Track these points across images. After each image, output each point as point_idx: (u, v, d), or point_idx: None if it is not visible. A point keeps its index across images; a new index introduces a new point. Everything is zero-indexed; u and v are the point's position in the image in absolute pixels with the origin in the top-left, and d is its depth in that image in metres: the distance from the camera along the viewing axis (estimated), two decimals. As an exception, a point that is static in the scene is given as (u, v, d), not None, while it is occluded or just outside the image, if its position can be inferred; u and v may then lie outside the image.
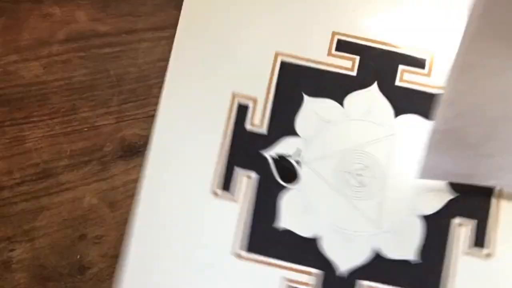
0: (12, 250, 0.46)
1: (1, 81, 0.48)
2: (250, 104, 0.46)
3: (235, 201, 0.45)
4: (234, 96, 0.47)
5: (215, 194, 0.45)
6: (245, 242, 0.45)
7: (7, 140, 0.47)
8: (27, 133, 0.47)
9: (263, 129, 0.46)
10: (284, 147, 0.46)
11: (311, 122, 0.46)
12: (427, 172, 0.42)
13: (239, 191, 0.45)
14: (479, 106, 0.38)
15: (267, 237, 0.45)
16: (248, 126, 0.46)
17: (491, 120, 0.39)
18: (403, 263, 0.44)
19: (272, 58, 0.47)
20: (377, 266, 0.44)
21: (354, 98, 0.46)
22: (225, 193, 0.46)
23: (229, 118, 0.46)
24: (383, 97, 0.46)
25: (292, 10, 0.48)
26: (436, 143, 0.40)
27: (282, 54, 0.47)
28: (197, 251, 0.45)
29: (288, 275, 0.44)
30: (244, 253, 0.45)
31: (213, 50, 0.47)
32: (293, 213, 0.45)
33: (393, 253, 0.44)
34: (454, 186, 0.44)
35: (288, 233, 0.45)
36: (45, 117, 0.48)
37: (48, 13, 0.49)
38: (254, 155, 0.46)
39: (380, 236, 0.44)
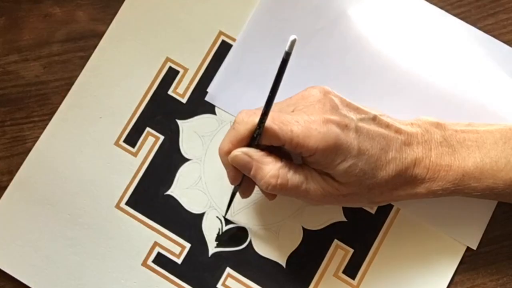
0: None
1: (1, 81, 0.48)
2: (180, 72, 0.47)
3: (135, 156, 0.46)
4: (167, 60, 0.47)
5: (119, 145, 0.46)
6: (132, 198, 0.46)
7: (7, 140, 0.47)
8: (27, 133, 0.47)
9: (184, 99, 0.47)
10: (199, 122, 0.47)
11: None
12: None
13: (143, 149, 0.46)
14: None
15: (153, 200, 0.46)
16: (170, 92, 0.47)
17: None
18: (273, 264, 0.45)
19: (215, 36, 0.47)
20: (248, 259, 0.45)
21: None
22: (128, 147, 0.46)
23: (155, 79, 0.47)
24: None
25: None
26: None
27: (225, 35, 0.47)
28: (84, 193, 0.46)
29: (162, 241, 0.45)
30: (127, 208, 0.46)
31: (160, 15, 0.48)
32: (185, 185, 0.46)
33: (266, 251, 0.45)
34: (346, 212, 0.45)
35: (174, 202, 0.46)
36: (45, 117, 0.48)
37: (48, 13, 0.49)
38: (168, 121, 0.47)
39: (259, 232, 0.45)
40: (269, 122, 0.37)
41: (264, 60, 0.47)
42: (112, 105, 0.47)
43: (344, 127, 0.37)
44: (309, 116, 0.37)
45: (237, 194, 0.43)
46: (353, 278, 0.44)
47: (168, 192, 0.46)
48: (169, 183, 0.46)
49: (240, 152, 0.38)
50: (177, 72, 0.47)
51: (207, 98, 0.47)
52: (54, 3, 0.49)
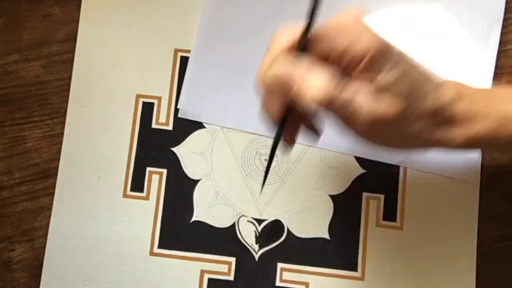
0: (12, 250, 0.46)
1: (1, 81, 0.48)
2: (155, 103, 0.47)
3: (147, 199, 0.46)
4: (138, 97, 0.47)
5: (128, 196, 0.46)
6: (162, 240, 0.46)
7: (7, 140, 0.47)
8: (27, 133, 0.47)
9: (169, 126, 0.47)
10: (193, 141, 0.47)
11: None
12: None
13: (152, 189, 0.46)
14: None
15: (182, 232, 0.46)
16: (154, 125, 0.47)
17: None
18: (317, 241, 0.45)
19: (172, 56, 0.48)
20: (293, 246, 0.45)
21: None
22: (137, 194, 0.46)
23: (135, 120, 0.47)
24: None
25: (190, 7, 0.48)
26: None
27: (181, 51, 0.48)
28: (115, 254, 0.46)
29: (207, 266, 0.45)
30: (162, 251, 0.46)
31: (114, 56, 0.48)
32: (206, 205, 0.46)
33: (306, 232, 0.45)
34: (361, 162, 0.46)
35: (203, 226, 0.46)
36: (45, 117, 0.47)
37: (48, 13, 0.49)
38: (164, 153, 0.47)
39: (292, 218, 0.45)
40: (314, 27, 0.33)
41: (223, 61, 0.47)
42: (104, 162, 0.47)
43: (387, 44, 0.34)
44: (357, 23, 0.34)
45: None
46: (395, 220, 0.45)
47: (193, 219, 0.46)
48: (190, 210, 0.46)
49: (279, 66, 0.33)
50: (152, 104, 0.47)
51: (180, 115, 0.47)
52: (54, 3, 0.49)
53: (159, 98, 0.47)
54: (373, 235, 0.45)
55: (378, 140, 0.37)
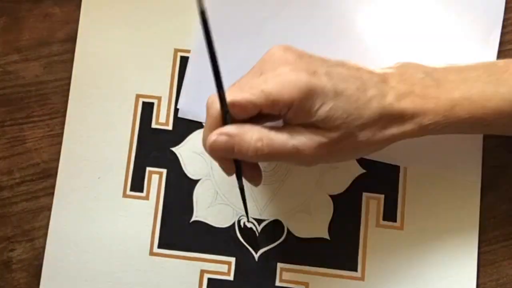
0: (12, 250, 0.46)
1: (1, 81, 0.48)
2: (155, 103, 0.47)
3: (147, 199, 0.46)
4: (137, 97, 0.47)
5: (128, 196, 0.46)
6: (162, 239, 0.46)
7: (7, 140, 0.47)
8: (27, 133, 0.47)
9: (169, 126, 0.47)
10: (193, 141, 0.47)
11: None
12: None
13: (151, 189, 0.46)
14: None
15: (182, 232, 0.46)
16: (154, 125, 0.47)
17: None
18: (317, 241, 0.45)
19: (172, 55, 0.48)
20: (293, 246, 0.45)
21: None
22: (137, 194, 0.46)
23: (134, 120, 0.47)
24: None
25: (190, 7, 0.48)
26: None
27: (181, 50, 0.48)
28: (115, 254, 0.46)
29: (207, 266, 0.45)
30: (162, 251, 0.46)
31: (115, 55, 0.48)
32: (206, 205, 0.46)
33: (306, 232, 0.45)
34: (361, 162, 0.46)
35: (202, 226, 0.46)
36: (45, 117, 0.47)
37: (48, 13, 0.49)
38: (163, 153, 0.47)
39: (292, 217, 0.45)
40: (236, 93, 0.35)
41: (223, 61, 0.46)
42: (104, 162, 0.47)
43: (313, 73, 0.35)
44: (275, 72, 0.35)
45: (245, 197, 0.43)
46: (395, 220, 0.45)
47: (193, 219, 0.46)
48: (190, 210, 0.46)
49: (215, 134, 0.35)
50: (152, 104, 0.47)
51: (180, 115, 0.47)
52: (54, 3, 0.49)
53: (159, 98, 0.47)
54: (373, 235, 0.45)
55: (333, 160, 0.39)
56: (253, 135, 0.35)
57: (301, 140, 0.36)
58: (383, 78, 0.38)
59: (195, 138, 0.47)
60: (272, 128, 0.36)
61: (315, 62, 0.37)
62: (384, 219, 0.45)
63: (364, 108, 0.36)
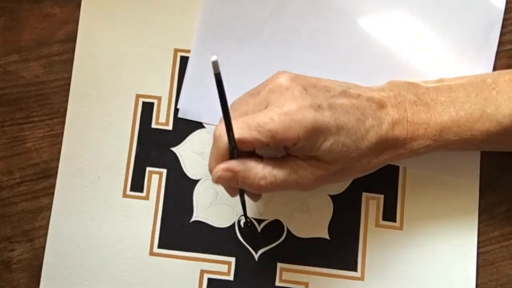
0: (12, 250, 0.46)
1: (1, 81, 0.48)
2: (155, 103, 0.47)
3: (147, 199, 0.46)
4: (138, 97, 0.47)
5: (128, 196, 0.46)
6: (162, 239, 0.46)
7: (7, 140, 0.47)
8: (27, 133, 0.47)
9: (169, 126, 0.47)
10: (192, 141, 0.47)
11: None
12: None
13: (151, 189, 0.46)
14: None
15: (182, 232, 0.46)
16: (154, 125, 0.47)
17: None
18: (317, 241, 0.45)
19: (172, 55, 0.48)
20: (293, 246, 0.45)
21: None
22: (137, 194, 0.46)
23: (134, 120, 0.47)
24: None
25: (190, 7, 0.48)
26: None
27: (181, 50, 0.48)
28: (115, 254, 0.46)
29: (207, 266, 0.45)
30: (162, 251, 0.46)
31: (115, 55, 0.48)
32: (206, 206, 0.46)
33: (306, 232, 0.45)
34: None
35: (203, 226, 0.46)
36: (45, 117, 0.47)
37: (48, 13, 0.49)
38: (163, 153, 0.47)
39: (292, 217, 0.45)
40: (244, 131, 0.36)
41: (223, 60, 0.47)
42: (104, 162, 0.47)
43: (317, 108, 0.37)
44: (281, 109, 0.37)
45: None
46: (394, 220, 0.45)
47: (193, 219, 0.46)
48: (190, 210, 0.46)
49: (220, 170, 0.37)
50: (152, 104, 0.47)
51: (180, 115, 0.47)
52: (54, 3, 0.49)
53: (159, 98, 0.47)
54: (372, 235, 0.45)
55: (332, 182, 0.41)
56: (257, 173, 0.38)
57: (303, 174, 0.38)
58: (381, 104, 0.40)
59: (195, 139, 0.47)
60: (275, 164, 0.38)
61: (319, 93, 0.39)
62: (383, 219, 0.45)
63: (362, 140, 0.39)
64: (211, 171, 0.38)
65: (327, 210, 0.45)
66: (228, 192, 0.41)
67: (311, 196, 0.46)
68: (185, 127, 0.47)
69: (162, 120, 0.47)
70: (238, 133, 0.36)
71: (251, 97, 0.40)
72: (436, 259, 0.45)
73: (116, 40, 0.48)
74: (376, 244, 0.45)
